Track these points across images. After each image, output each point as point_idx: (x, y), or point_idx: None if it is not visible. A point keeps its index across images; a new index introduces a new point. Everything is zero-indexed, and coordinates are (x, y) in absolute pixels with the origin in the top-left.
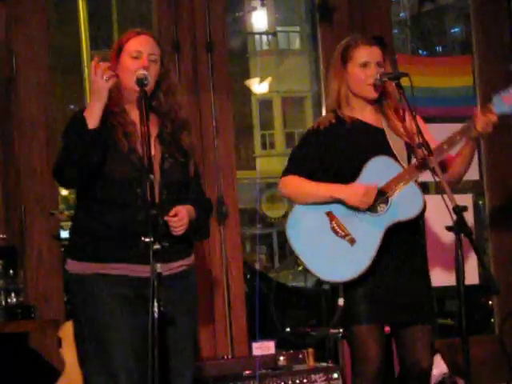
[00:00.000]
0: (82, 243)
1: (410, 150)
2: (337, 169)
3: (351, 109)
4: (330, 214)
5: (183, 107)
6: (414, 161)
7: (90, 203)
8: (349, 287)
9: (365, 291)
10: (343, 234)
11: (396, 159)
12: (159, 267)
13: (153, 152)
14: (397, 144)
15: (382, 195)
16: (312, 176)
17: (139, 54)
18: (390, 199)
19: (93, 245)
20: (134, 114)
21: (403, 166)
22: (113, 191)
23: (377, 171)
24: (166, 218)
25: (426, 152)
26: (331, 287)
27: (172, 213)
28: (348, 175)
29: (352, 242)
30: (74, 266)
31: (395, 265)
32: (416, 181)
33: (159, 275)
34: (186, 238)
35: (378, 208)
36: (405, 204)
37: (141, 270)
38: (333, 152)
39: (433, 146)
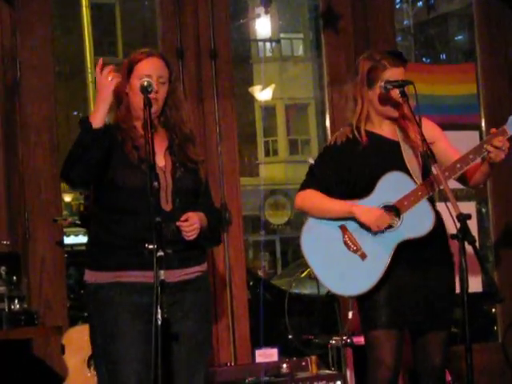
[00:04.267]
0: (98, 253)
1: (427, 160)
2: (353, 184)
3: (370, 123)
4: (343, 228)
5: (187, 122)
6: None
7: (104, 214)
8: (368, 293)
9: (385, 297)
10: (355, 248)
11: (410, 174)
12: (163, 274)
13: (164, 163)
14: (411, 157)
15: (395, 211)
16: (329, 191)
17: (149, 77)
18: (401, 216)
19: (108, 254)
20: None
21: (416, 182)
22: (126, 201)
23: (390, 187)
24: (177, 223)
25: (429, 160)
26: (331, 295)
27: (183, 218)
28: (363, 190)
29: (363, 256)
30: (90, 277)
31: (416, 271)
32: (431, 197)
33: (162, 282)
34: (198, 244)
35: (391, 224)
36: (415, 221)
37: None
38: (349, 168)
39: (450, 153)
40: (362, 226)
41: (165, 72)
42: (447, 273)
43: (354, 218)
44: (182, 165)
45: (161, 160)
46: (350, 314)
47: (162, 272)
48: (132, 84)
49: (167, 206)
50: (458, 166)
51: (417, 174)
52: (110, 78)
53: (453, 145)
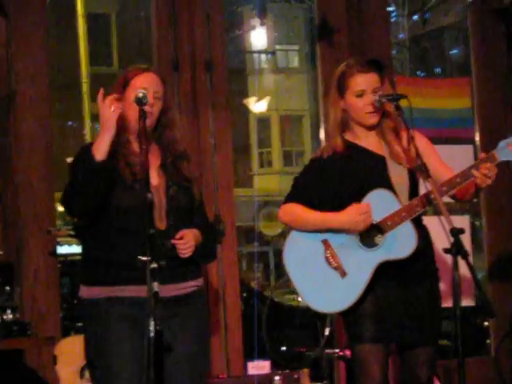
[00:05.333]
0: (93, 269)
1: (413, 177)
2: (339, 199)
3: (353, 135)
4: (325, 243)
5: (180, 141)
6: (421, 191)
7: (98, 231)
8: (354, 307)
9: (370, 311)
10: (335, 265)
11: (395, 192)
12: (156, 286)
13: (157, 181)
14: (397, 174)
15: (378, 230)
16: (313, 204)
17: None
18: (384, 235)
19: (103, 270)
20: (136, 145)
21: (401, 201)
22: (120, 219)
23: (375, 205)
24: (173, 241)
25: (424, 174)
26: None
27: (178, 236)
28: (347, 205)
29: (343, 274)
30: (86, 292)
31: (402, 286)
32: (418, 216)
33: (156, 294)
34: (193, 260)
35: (374, 241)
36: (398, 243)
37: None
38: (334, 182)
39: (441, 169)
40: (345, 240)
41: (160, 88)
42: (432, 287)
43: (335, 231)
44: (175, 183)
45: (154, 178)
46: (327, 331)
47: (155, 284)
48: (127, 97)
49: (161, 225)
50: (445, 189)
51: (403, 191)
52: (112, 109)
53: (444, 160)
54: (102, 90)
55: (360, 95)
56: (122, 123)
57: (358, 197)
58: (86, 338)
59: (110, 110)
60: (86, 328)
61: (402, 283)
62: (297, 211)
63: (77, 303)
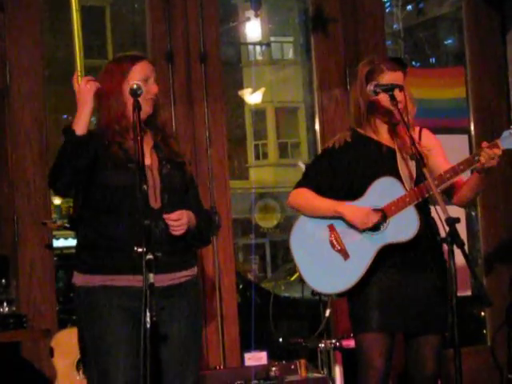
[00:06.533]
0: (88, 256)
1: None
2: (347, 187)
3: (370, 128)
4: (331, 227)
5: (166, 123)
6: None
7: (94, 216)
8: (359, 295)
9: (376, 299)
10: (339, 248)
11: (401, 181)
12: (152, 277)
13: (150, 161)
14: (406, 165)
15: (382, 215)
16: (321, 191)
17: (148, 78)
18: (388, 220)
19: (99, 257)
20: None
21: (406, 189)
22: (114, 200)
23: (380, 191)
24: (164, 216)
25: (421, 163)
26: (319, 298)
27: (175, 216)
28: (355, 194)
29: (346, 256)
30: (80, 280)
31: (408, 274)
32: (420, 203)
33: (151, 286)
34: (188, 248)
35: (378, 226)
36: (400, 227)
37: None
38: (344, 171)
39: (445, 166)
40: (350, 225)
41: (154, 73)
42: (440, 276)
43: (341, 218)
44: (169, 161)
45: (147, 158)
46: (328, 312)
47: (151, 275)
48: (126, 87)
49: (156, 204)
50: (448, 175)
51: (409, 181)
52: (90, 85)
53: (448, 158)
54: (77, 73)
55: None
56: (121, 112)
57: (366, 185)
58: (80, 326)
59: (86, 85)
60: (80, 316)
61: (409, 272)
62: (307, 196)
63: (72, 290)
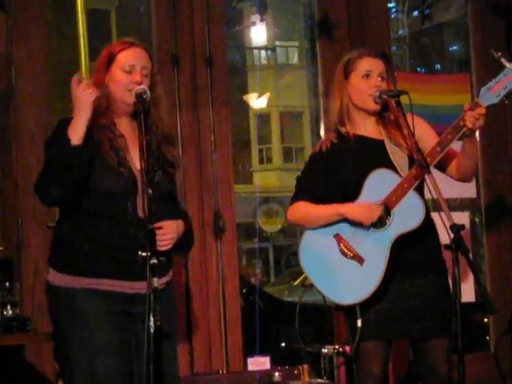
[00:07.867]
0: (69, 256)
1: (412, 161)
2: (342, 189)
3: (352, 123)
4: (337, 237)
5: (165, 120)
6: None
7: (76, 215)
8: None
9: (373, 307)
10: (351, 255)
11: (396, 170)
12: (156, 282)
13: (140, 166)
14: (397, 154)
15: (385, 210)
16: (318, 200)
17: (132, 68)
18: (391, 212)
19: (81, 259)
20: (124, 127)
21: (402, 177)
22: (101, 204)
23: (377, 185)
24: (157, 232)
25: (424, 169)
26: (336, 306)
27: (160, 227)
28: (352, 195)
29: (361, 261)
30: (59, 279)
31: (409, 280)
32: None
33: (155, 290)
34: (167, 254)
35: (384, 221)
36: (406, 215)
37: (129, 287)
38: (336, 173)
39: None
40: (356, 228)
41: (148, 63)
42: (441, 279)
43: (345, 221)
44: (159, 168)
45: (137, 161)
46: (359, 322)
47: (155, 280)
48: (113, 74)
49: (143, 213)
50: (438, 149)
51: (404, 168)
52: (89, 92)
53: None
54: (77, 74)
55: (366, 75)
56: (106, 103)
57: (361, 182)
58: (58, 329)
59: (86, 91)
60: (60, 319)
61: (409, 276)
62: (306, 208)
63: (46, 288)
